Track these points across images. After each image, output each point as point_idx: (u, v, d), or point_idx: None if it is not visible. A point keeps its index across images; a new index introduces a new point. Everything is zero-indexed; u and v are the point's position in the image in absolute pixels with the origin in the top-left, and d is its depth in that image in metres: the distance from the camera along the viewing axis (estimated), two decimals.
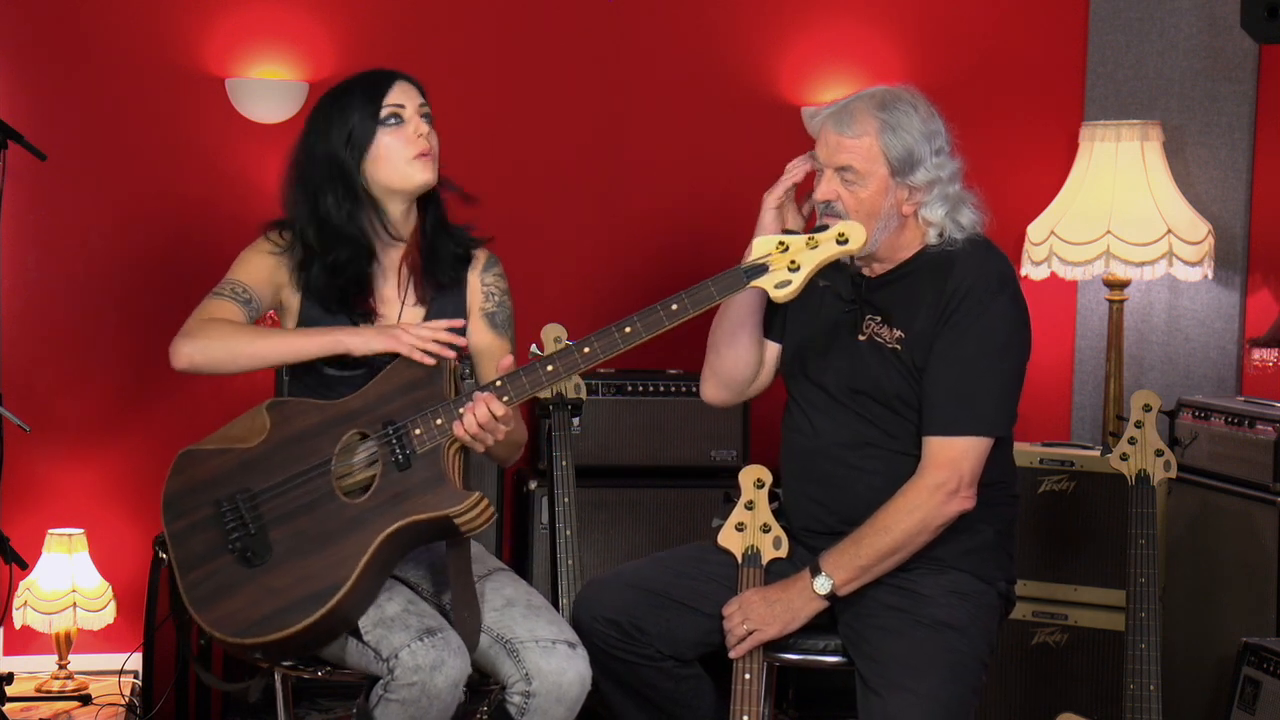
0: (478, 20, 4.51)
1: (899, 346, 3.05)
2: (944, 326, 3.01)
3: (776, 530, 3.12)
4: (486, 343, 3.15)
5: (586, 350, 2.88)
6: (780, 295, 2.83)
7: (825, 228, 2.90)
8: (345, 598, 2.79)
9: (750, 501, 3.14)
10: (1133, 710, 3.26)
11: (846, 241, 2.84)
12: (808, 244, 2.84)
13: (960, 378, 3.00)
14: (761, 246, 2.86)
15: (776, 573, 3.10)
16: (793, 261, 2.83)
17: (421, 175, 3.06)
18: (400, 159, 3.04)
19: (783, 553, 3.11)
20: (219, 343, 2.95)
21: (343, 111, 3.04)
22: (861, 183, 3.04)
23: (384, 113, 3.03)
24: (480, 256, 3.19)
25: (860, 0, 4.68)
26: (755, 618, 3.01)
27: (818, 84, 4.63)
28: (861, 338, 3.10)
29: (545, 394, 3.57)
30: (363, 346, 2.96)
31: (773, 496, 3.18)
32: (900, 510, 3.00)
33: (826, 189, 3.07)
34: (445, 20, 4.48)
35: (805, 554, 3.11)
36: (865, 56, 4.67)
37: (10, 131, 3.61)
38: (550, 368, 2.88)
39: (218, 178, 4.35)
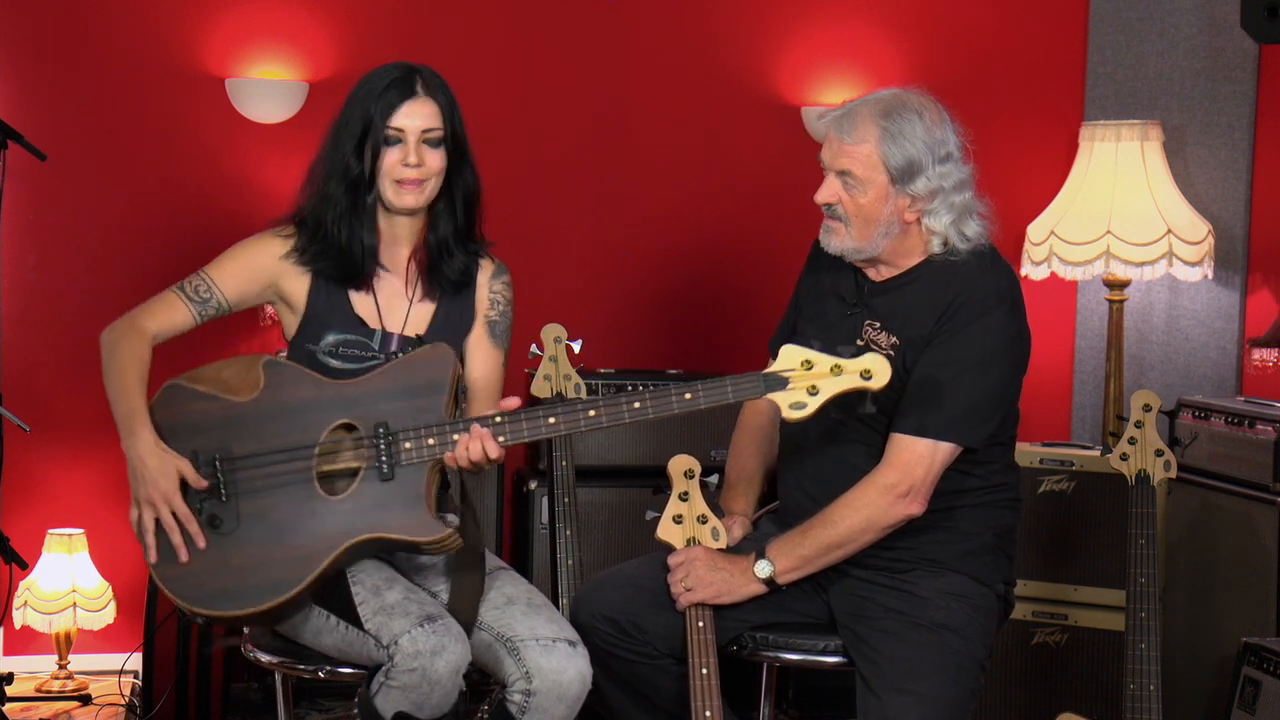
0: (478, 20, 4.51)
1: (892, 353, 3.04)
2: (937, 335, 3.00)
3: (714, 521, 3.11)
4: (482, 349, 3.14)
5: (592, 414, 2.88)
6: (793, 416, 2.83)
7: (861, 350, 2.87)
8: (299, 595, 2.83)
9: (684, 493, 3.12)
10: (1133, 710, 3.26)
11: (870, 378, 2.82)
12: (831, 370, 2.82)
13: (937, 382, 2.98)
14: (787, 358, 2.84)
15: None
16: (813, 385, 2.82)
17: (399, 201, 3.04)
18: (388, 179, 3.02)
19: (721, 543, 3.10)
20: (106, 359, 3.08)
21: (365, 110, 3.00)
22: (861, 188, 3.03)
23: (389, 133, 3.00)
24: (490, 264, 3.18)
25: (860, 0, 4.68)
26: (694, 578, 3.03)
27: (818, 84, 4.63)
28: (860, 343, 3.09)
29: (545, 394, 3.58)
30: (131, 453, 2.92)
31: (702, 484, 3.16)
32: (848, 506, 3.01)
33: (828, 191, 3.07)
34: (446, 21, 4.48)
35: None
36: (865, 56, 4.67)
37: (10, 131, 3.61)
38: (552, 420, 2.88)
39: (218, 178, 4.35)
